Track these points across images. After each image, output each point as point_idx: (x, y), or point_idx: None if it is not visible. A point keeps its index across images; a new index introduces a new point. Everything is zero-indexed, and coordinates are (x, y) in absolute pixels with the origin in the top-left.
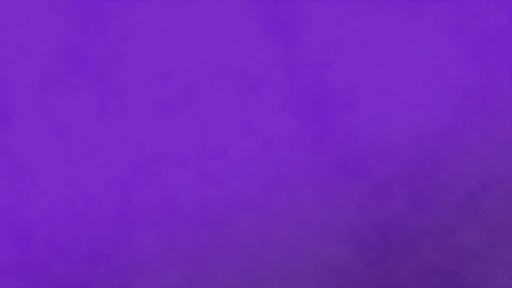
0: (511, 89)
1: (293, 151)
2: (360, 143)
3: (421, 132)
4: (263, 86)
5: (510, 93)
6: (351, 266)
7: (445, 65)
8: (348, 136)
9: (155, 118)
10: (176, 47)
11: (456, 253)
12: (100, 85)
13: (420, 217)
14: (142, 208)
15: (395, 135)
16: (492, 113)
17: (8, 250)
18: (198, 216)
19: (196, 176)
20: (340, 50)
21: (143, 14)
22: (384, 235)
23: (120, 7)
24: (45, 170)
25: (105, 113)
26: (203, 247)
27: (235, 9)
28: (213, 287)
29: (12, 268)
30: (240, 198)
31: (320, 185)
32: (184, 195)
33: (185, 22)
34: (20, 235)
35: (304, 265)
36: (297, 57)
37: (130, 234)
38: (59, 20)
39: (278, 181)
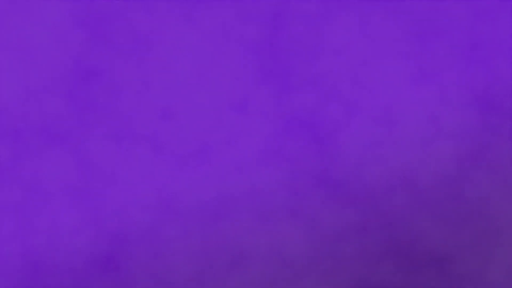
0: (511, 89)
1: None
2: (358, 147)
3: (423, 134)
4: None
5: (510, 93)
6: (352, 263)
7: (445, 65)
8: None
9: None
10: (174, 54)
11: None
12: (102, 87)
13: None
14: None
15: (394, 137)
16: (493, 113)
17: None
18: (199, 216)
19: (195, 178)
20: (338, 49)
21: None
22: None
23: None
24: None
25: (106, 114)
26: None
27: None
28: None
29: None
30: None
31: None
32: (183, 197)
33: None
34: (27, 238)
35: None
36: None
37: (131, 234)
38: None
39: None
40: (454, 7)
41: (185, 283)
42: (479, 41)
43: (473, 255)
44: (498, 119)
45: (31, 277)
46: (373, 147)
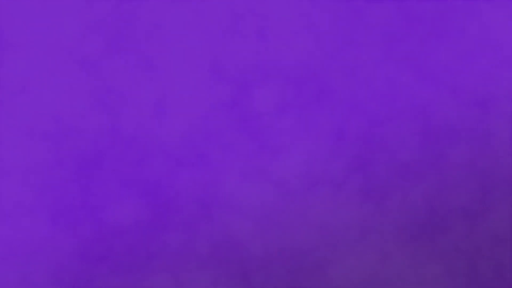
0: (511, 89)
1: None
2: (358, 146)
3: (421, 131)
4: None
5: (510, 93)
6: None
7: (445, 65)
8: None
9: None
10: (174, 46)
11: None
12: (102, 81)
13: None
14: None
15: (394, 137)
16: (492, 112)
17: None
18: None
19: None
20: (337, 49)
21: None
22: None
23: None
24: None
25: (105, 112)
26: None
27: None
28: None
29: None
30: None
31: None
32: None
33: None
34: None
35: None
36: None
37: (133, 234)
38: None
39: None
40: (454, 7)
41: (186, 282)
42: (479, 41)
43: (472, 254)
44: (498, 119)
45: (31, 277)
46: (372, 147)
